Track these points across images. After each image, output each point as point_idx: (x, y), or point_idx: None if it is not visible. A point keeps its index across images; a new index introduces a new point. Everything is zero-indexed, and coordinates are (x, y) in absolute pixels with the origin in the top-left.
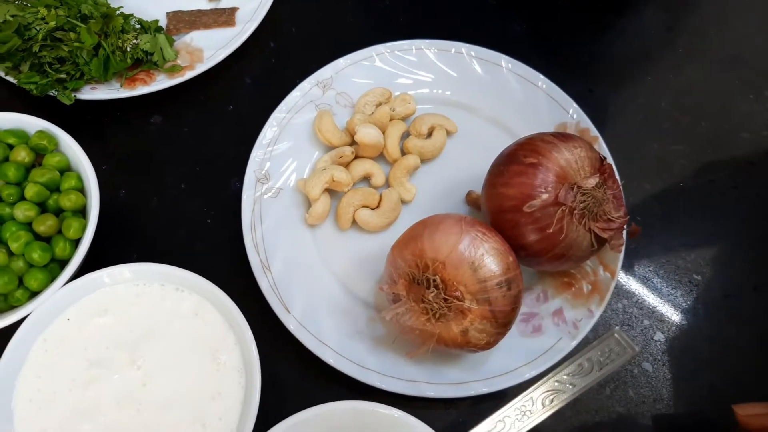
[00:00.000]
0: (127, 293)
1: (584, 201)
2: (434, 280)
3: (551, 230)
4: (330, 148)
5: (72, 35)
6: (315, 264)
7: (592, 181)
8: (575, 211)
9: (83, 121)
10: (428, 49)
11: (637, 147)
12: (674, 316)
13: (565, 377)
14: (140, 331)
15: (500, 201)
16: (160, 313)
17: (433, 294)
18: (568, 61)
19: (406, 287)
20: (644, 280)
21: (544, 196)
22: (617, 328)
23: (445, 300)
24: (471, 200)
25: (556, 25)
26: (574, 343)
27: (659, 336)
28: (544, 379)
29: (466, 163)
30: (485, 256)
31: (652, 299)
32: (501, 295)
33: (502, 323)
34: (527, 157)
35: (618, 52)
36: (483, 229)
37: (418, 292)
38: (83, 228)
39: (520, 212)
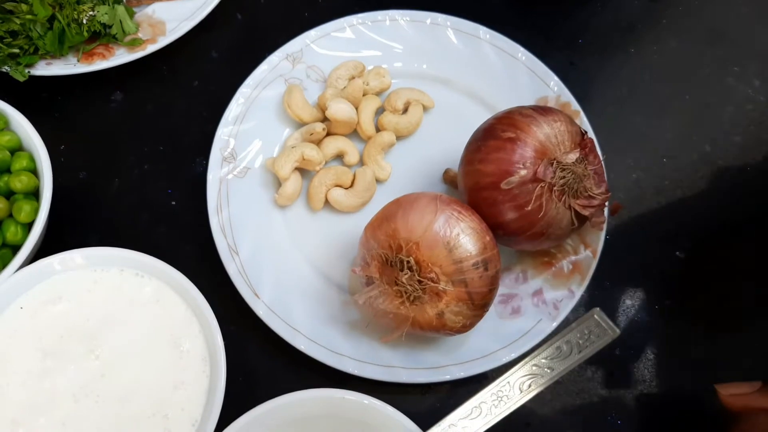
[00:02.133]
0: (83, 279)
1: (564, 177)
2: (408, 262)
3: (530, 208)
4: (300, 125)
5: (24, 7)
6: (286, 247)
7: (573, 156)
8: (555, 188)
9: (38, 99)
10: (403, 19)
11: (619, 121)
12: (657, 294)
13: (543, 361)
14: (98, 319)
15: (477, 178)
16: (118, 301)
17: (406, 276)
18: (549, 33)
19: (379, 269)
20: (626, 259)
21: (523, 173)
22: (597, 309)
23: (420, 282)
24: (448, 178)
25: None
26: (554, 325)
27: (642, 315)
28: (522, 363)
29: (444, 139)
30: (461, 236)
31: (634, 278)
32: (477, 276)
33: (479, 305)
34: (505, 132)
35: (600, 24)
36: (459, 207)
37: (391, 275)
38: (35, 211)
39: (498, 189)
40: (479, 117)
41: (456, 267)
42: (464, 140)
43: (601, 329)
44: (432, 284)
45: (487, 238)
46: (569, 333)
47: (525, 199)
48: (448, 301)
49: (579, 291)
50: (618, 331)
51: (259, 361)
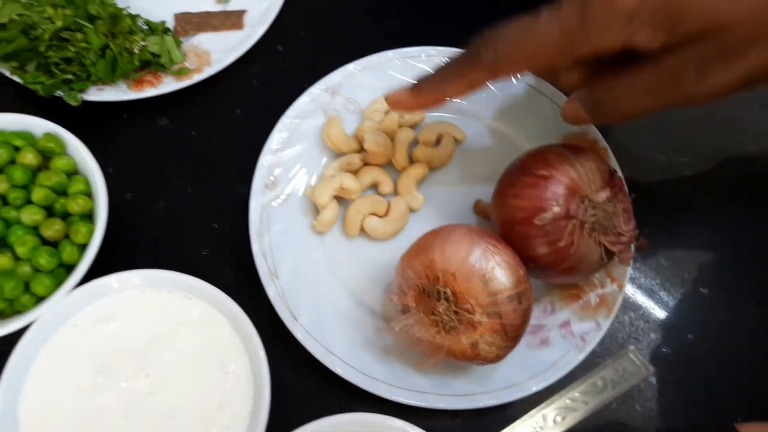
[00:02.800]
0: (135, 300)
1: (595, 215)
2: (445, 293)
3: (562, 244)
4: (338, 154)
5: (79, 36)
6: (322, 272)
7: (603, 195)
8: (585, 225)
9: (88, 123)
10: (437, 56)
11: (644, 158)
12: (680, 329)
13: (577, 395)
14: (147, 338)
15: (511, 212)
16: (167, 321)
17: (443, 306)
18: None
19: (415, 298)
20: (651, 293)
21: (555, 209)
22: (632, 347)
23: (456, 313)
24: (479, 210)
25: None
26: (581, 356)
27: (666, 349)
28: (557, 396)
29: (474, 171)
30: (496, 269)
31: (658, 312)
32: (512, 308)
33: (511, 336)
34: (539, 169)
35: None
36: (493, 240)
37: (428, 304)
38: (91, 233)
39: (531, 224)
40: (508, 150)
41: (491, 299)
42: (494, 172)
43: (636, 367)
44: (468, 315)
45: (521, 271)
46: (604, 369)
47: (557, 235)
48: (482, 332)
49: (606, 324)
50: (651, 369)
51: (294, 382)
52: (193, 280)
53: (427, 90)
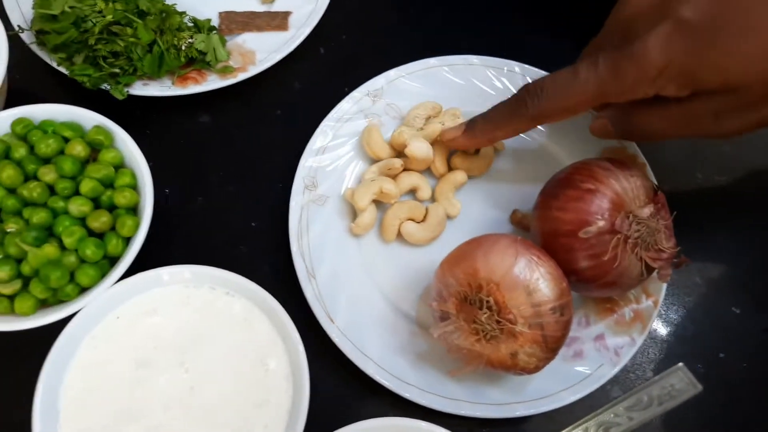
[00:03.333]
0: (177, 295)
1: (639, 230)
2: (488, 302)
3: (605, 258)
4: (376, 160)
5: (128, 30)
6: (359, 275)
7: (647, 211)
8: (629, 240)
9: (132, 116)
10: (479, 65)
11: (681, 175)
12: (713, 348)
13: (622, 410)
14: (189, 333)
15: (555, 224)
16: (209, 317)
17: (486, 315)
18: None
19: (456, 306)
20: (684, 310)
21: (600, 223)
22: (681, 364)
23: (498, 322)
24: (516, 220)
25: None
26: (615, 371)
27: (698, 368)
28: (601, 410)
29: (512, 181)
30: (540, 281)
31: (691, 330)
32: (554, 320)
33: (551, 348)
34: (584, 183)
35: None
36: (537, 252)
37: (469, 312)
38: (137, 226)
39: (575, 237)
40: (547, 162)
41: (534, 310)
42: (532, 183)
43: (684, 385)
44: (510, 325)
45: (564, 284)
46: (652, 385)
47: (601, 249)
48: (523, 343)
49: (640, 339)
50: (700, 387)
51: (327, 383)
52: (235, 276)
53: (479, 133)
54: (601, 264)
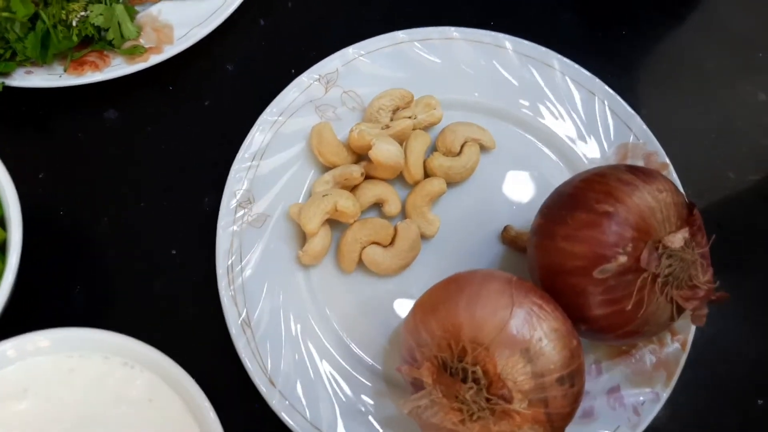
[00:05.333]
0: (55, 369)
1: (670, 265)
2: (474, 372)
3: (628, 306)
4: (330, 167)
5: (0, 3)
6: (309, 317)
7: (680, 239)
8: (658, 279)
9: (14, 115)
10: (459, 38)
11: (708, 175)
12: (749, 393)
13: None
14: (73, 420)
15: (560, 258)
16: (101, 397)
17: (471, 391)
18: (625, 61)
19: (433, 374)
20: (715, 347)
21: (622, 259)
22: None
23: (488, 400)
24: (508, 239)
25: (611, 13)
26: None
27: (735, 416)
28: None
29: (503, 188)
30: (543, 341)
31: (724, 371)
32: (561, 393)
33: (557, 427)
34: (599, 202)
35: (687, 55)
36: (539, 300)
37: (450, 385)
38: (0, 272)
39: (588, 277)
40: (547, 163)
41: (536, 382)
42: (528, 191)
43: None
44: (504, 404)
45: (574, 342)
46: None
47: (622, 293)
48: (520, 423)
49: (665, 393)
50: None
51: None
52: (135, 343)
53: None
54: (622, 311)
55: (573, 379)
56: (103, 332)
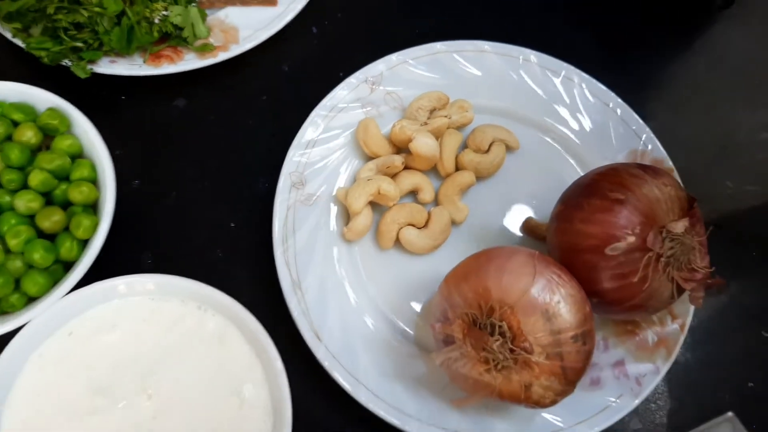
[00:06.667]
0: (141, 308)
1: (672, 248)
2: (500, 327)
3: (635, 279)
4: (373, 157)
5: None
6: (351, 286)
7: (682, 226)
8: (662, 259)
9: (96, 98)
10: (490, 52)
11: (709, 184)
12: (740, 375)
13: None
14: (153, 354)
15: (577, 238)
16: (177, 335)
17: (497, 343)
18: (638, 80)
19: (463, 330)
20: (710, 334)
21: (631, 239)
22: (731, 414)
23: (511, 351)
24: (529, 228)
25: (626, 37)
26: (636, 402)
27: (724, 396)
28: None
29: (525, 184)
30: (561, 304)
31: (720, 357)
32: (575, 350)
33: (570, 381)
34: (612, 191)
35: (694, 74)
36: (558, 270)
37: (478, 338)
38: (95, 227)
39: (601, 254)
40: (564, 164)
41: (553, 338)
42: (547, 187)
43: None
44: (525, 354)
45: (587, 308)
46: None
47: (630, 269)
48: (539, 374)
49: (665, 367)
50: None
51: (314, 410)
52: (211, 290)
53: None
54: (629, 285)
55: (585, 339)
56: (183, 279)
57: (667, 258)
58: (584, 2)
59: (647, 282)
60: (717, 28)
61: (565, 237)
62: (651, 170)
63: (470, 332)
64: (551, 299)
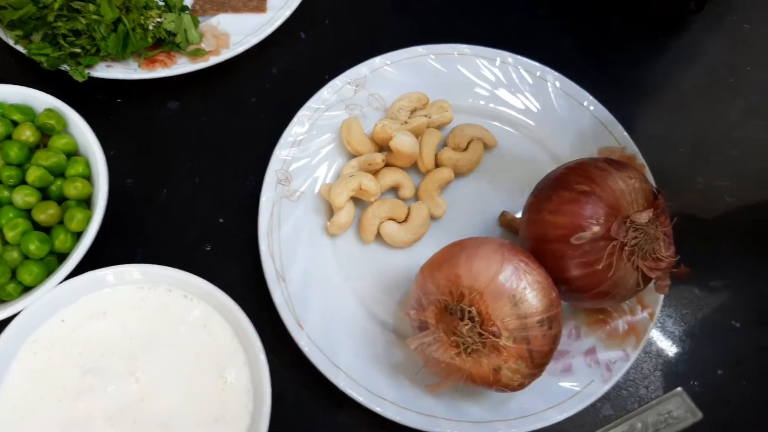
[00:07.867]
0: (130, 296)
1: (636, 237)
2: (470, 312)
3: (599, 266)
4: (356, 155)
5: (91, 7)
6: (333, 277)
7: (645, 216)
8: (626, 248)
9: (93, 101)
10: (470, 55)
11: (682, 179)
12: (711, 364)
13: None
14: (141, 339)
15: (545, 229)
16: (164, 322)
17: (467, 327)
18: (615, 80)
19: (436, 315)
20: (681, 324)
21: (595, 229)
22: (680, 389)
23: (480, 335)
24: (505, 222)
25: (603, 39)
26: (606, 387)
27: (694, 384)
28: None
29: (502, 180)
30: (527, 290)
31: (688, 344)
32: (541, 333)
33: (538, 364)
34: (579, 184)
35: (669, 76)
36: (526, 258)
37: (449, 323)
38: (88, 220)
39: (567, 243)
40: (540, 161)
41: (520, 323)
42: (523, 182)
43: (682, 412)
44: (493, 338)
45: (553, 294)
46: (646, 411)
47: (595, 257)
48: (507, 357)
49: (634, 354)
50: (700, 414)
51: (295, 395)
52: (195, 279)
53: None
54: (595, 273)
55: (551, 323)
56: (171, 269)
57: (632, 247)
58: (565, 8)
59: (612, 270)
60: (690, 31)
61: (536, 228)
62: (616, 164)
63: (442, 318)
64: (518, 285)
